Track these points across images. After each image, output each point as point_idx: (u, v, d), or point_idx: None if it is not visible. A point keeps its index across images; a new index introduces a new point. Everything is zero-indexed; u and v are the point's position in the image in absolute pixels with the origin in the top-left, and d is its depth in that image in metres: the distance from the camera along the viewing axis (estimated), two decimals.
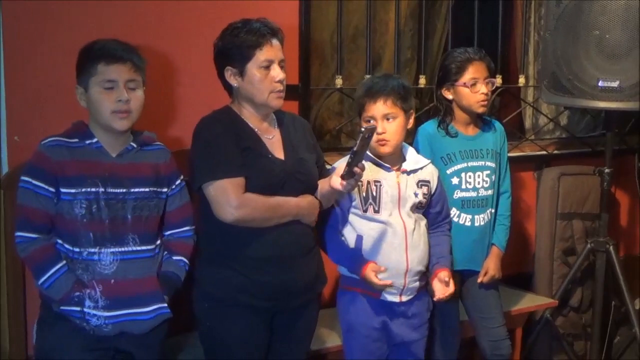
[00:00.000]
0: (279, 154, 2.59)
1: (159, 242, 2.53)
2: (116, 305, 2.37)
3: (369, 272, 2.63)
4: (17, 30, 2.76)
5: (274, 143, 2.60)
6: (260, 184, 2.49)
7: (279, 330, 2.61)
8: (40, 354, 2.44)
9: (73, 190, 2.33)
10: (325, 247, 2.75)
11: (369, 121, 2.66)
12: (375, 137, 2.62)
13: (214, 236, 2.53)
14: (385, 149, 2.68)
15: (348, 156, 2.37)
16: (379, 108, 2.66)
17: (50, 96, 2.81)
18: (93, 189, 2.35)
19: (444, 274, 2.73)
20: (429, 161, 2.83)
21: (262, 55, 2.50)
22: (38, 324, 2.45)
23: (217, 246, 2.53)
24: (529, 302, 3.71)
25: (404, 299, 2.74)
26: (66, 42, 2.73)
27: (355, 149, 2.34)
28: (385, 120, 2.66)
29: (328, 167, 2.82)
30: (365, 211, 2.69)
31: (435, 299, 2.75)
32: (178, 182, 2.58)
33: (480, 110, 2.98)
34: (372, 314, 2.74)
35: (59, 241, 2.36)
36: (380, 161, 2.71)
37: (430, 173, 2.80)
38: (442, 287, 2.73)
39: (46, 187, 2.32)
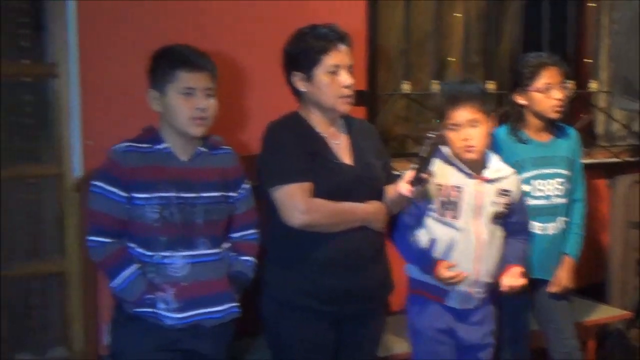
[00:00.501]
0: (347, 159, 2.58)
1: (226, 244, 2.55)
2: (188, 307, 2.39)
3: (441, 268, 2.60)
4: (92, 36, 2.82)
5: (342, 148, 2.59)
6: (327, 189, 2.48)
7: (345, 335, 2.59)
8: (113, 354, 2.48)
9: (145, 195, 2.36)
10: (397, 247, 2.73)
11: (452, 128, 2.63)
12: (461, 143, 2.59)
13: (281, 240, 2.53)
14: (472, 155, 2.63)
15: (415, 162, 2.35)
16: (464, 114, 2.61)
17: (123, 100, 2.86)
18: (165, 194, 2.37)
19: (515, 269, 2.67)
20: (513, 171, 2.76)
21: (330, 60, 2.49)
22: (111, 325, 2.50)
23: (285, 250, 2.54)
24: (602, 313, 3.61)
25: (468, 306, 2.70)
26: (139, 47, 2.77)
27: (422, 155, 2.31)
28: (471, 126, 2.62)
29: (395, 173, 2.80)
30: (442, 215, 2.66)
31: (502, 288, 2.68)
32: (245, 186, 2.59)
33: (555, 116, 2.92)
34: (439, 317, 2.70)
35: (132, 245, 2.40)
36: (462, 166, 2.67)
37: (512, 183, 2.73)
38: (511, 279, 2.66)
39: (118, 192, 2.36)
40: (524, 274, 2.70)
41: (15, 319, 2.86)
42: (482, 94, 2.66)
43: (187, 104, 2.37)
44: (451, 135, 2.61)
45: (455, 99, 2.63)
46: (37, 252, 2.88)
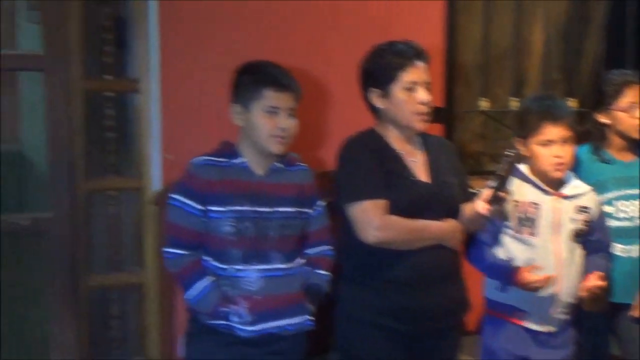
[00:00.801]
0: (424, 176, 2.55)
1: (301, 260, 2.56)
2: (261, 320, 2.40)
3: (524, 272, 2.53)
4: (173, 52, 2.88)
5: (419, 165, 2.57)
6: (403, 206, 2.46)
7: (419, 354, 2.55)
8: None
9: (221, 209, 2.38)
10: (474, 264, 2.69)
11: (544, 145, 2.58)
12: (552, 160, 2.55)
13: (356, 256, 2.52)
14: (560, 174, 2.58)
15: (492, 180, 2.31)
16: (558, 131, 2.56)
17: (201, 115, 2.91)
18: (241, 207, 2.40)
19: (595, 274, 2.58)
20: (590, 188, 2.70)
21: (407, 77, 2.48)
22: (186, 337, 2.53)
23: (359, 266, 2.52)
24: None
25: (549, 329, 2.63)
26: (218, 63, 2.83)
27: (500, 173, 2.27)
28: (563, 143, 2.57)
29: (472, 190, 2.76)
30: (519, 232, 2.61)
31: (581, 292, 2.60)
32: (319, 203, 2.59)
33: (638, 135, 2.84)
34: (515, 340, 2.65)
35: (207, 258, 2.43)
36: (539, 183, 2.62)
37: (591, 200, 2.67)
38: (591, 282, 2.56)
39: (195, 205, 2.39)
40: (604, 279, 2.60)
41: (95, 329, 2.92)
42: (572, 111, 2.62)
43: (270, 122, 2.39)
44: (541, 151, 2.57)
45: (550, 115, 2.58)
46: (117, 263, 2.94)
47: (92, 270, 2.90)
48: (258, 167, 2.46)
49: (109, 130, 2.91)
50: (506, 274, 2.61)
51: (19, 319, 4.24)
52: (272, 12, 3.00)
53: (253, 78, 2.41)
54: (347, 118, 2.98)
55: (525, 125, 2.67)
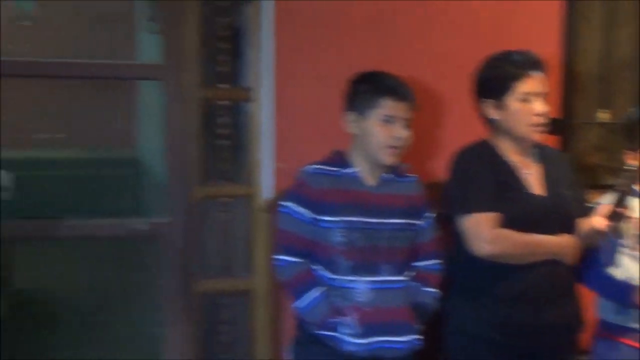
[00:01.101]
0: (538, 189, 2.49)
1: (410, 273, 2.53)
2: (371, 333, 2.39)
3: None
4: (287, 62, 2.91)
5: (533, 178, 2.51)
6: (516, 219, 2.41)
7: None
8: None
9: (332, 218, 2.39)
10: (588, 283, 2.59)
11: None
12: None
13: (467, 269, 2.48)
14: None
15: (611, 196, 2.23)
16: None
17: (314, 125, 2.93)
18: (351, 218, 2.40)
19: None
20: None
21: (522, 87, 2.43)
22: (293, 345, 2.54)
23: (470, 279, 2.48)
24: None
25: None
26: (331, 73, 2.85)
27: (619, 188, 2.19)
28: None
29: (588, 205, 2.66)
30: (637, 251, 2.50)
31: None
32: (429, 214, 2.56)
33: None
34: None
35: (316, 267, 2.44)
36: None
37: None
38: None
39: (306, 213, 2.41)
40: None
41: (205, 333, 2.98)
42: None
43: (385, 132, 2.39)
44: None
45: None
46: (228, 269, 2.99)
47: (204, 275, 2.96)
48: (369, 177, 2.46)
49: (223, 137, 2.96)
50: (624, 294, 2.50)
51: (133, 320, 4.39)
52: (385, 21, 2.98)
53: (370, 87, 2.42)
54: (459, 129, 2.93)
55: (634, 137, 2.56)
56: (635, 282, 2.48)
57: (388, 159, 2.42)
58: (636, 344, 2.52)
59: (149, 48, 6.14)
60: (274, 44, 2.90)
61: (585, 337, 2.89)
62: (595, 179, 3.65)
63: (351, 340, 2.38)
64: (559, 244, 2.46)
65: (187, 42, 2.84)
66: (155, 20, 5.97)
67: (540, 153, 2.56)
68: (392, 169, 2.50)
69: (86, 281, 5.04)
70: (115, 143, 6.53)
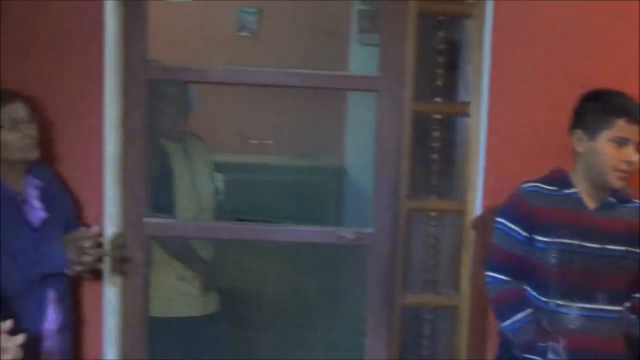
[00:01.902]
0: None
1: (627, 304, 2.40)
2: None
3: None
4: (504, 77, 2.85)
5: None
6: None
7: None
8: None
9: (547, 239, 2.32)
10: None
11: None
12: None
13: None
14: None
15: None
16: None
17: (528, 142, 2.84)
18: (568, 240, 2.32)
19: None
20: None
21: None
22: None
23: None
24: None
25: None
26: (549, 89, 2.77)
27: None
28: None
29: None
30: None
31: None
32: None
33: None
34: None
35: (527, 287, 2.37)
36: None
37: None
38: None
39: (521, 231, 2.35)
40: None
41: (406, 346, 2.98)
42: None
43: (616, 154, 2.30)
44: None
45: None
46: (432, 284, 2.97)
47: (408, 289, 2.95)
48: (590, 200, 2.36)
49: (434, 152, 2.95)
50: None
51: (335, 326, 4.49)
52: (605, 38, 2.85)
53: (603, 106, 2.32)
54: None
55: None
56: None
57: (616, 182, 2.32)
58: None
59: (361, 60, 6.28)
60: (490, 59, 2.86)
61: None
62: None
63: None
64: None
65: (405, 56, 2.85)
66: (368, 32, 6.10)
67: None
68: (614, 193, 2.38)
69: (291, 284, 5.22)
70: (323, 151, 6.70)
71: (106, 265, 2.82)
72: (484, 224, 2.80)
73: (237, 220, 3.36)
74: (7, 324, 2.04)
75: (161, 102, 3.23)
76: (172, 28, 5.83)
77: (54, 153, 2.86)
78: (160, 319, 3.22)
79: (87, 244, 2.54)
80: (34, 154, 2.56)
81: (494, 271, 2.38)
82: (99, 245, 2.61)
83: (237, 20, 6.73)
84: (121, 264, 2.87)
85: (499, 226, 2.40)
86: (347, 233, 2.95)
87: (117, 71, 2.84)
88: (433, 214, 2.96)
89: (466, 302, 2.91)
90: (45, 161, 2.77)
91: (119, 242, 2.84)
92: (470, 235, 2.90)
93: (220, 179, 3.91)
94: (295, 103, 6.25)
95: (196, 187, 3.40)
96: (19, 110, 2.52)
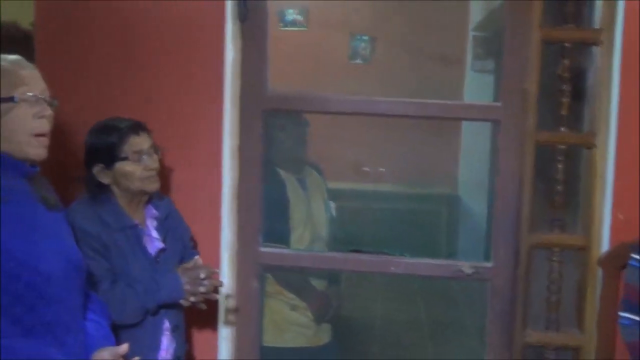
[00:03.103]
0: None
1: None
2: None
3: None
4: (632, 104, 2.72)
5: None
6: None
7: None
8: None
9: None
10: None
11: None
12: None
13: None
14: None
15: None
16: None
17: None
18: None
19: None
20: None
21: None
22: None
23: None
24: None
25: None
26: None
27: None
28: None
29: None
30: None
31: None
32: None
33: None
34: None
35: None
36: None
37: None
38: None
39: None
40: None
41: None
42: None
43: None
44: None
45: None
46: (554, 322, 2.83)
47: (530, 326, 2.83)
48: None
49: (557, 183, 2.82)
50: None
51: None
52: None
53: None
54: None
55: None
56: None
57: None
58: None
59: (475, 87, 6.18)
60: (619, 87, 2.72)
61: None
62: None
63: None
64: None
65: (528, 84, 2.75)
66: (485, 60, 5.99)
67: None
68: None
69: (404, 315, 5.13)
70: (437, 179, 6.62)
71: (220, 297, 2.83)
72: (613, 260, 2.66)
73: (352, 250, 3.32)
74: (124, 347, 2.07)
75: (277, 131, 3.25)
76: (284, 57, 5.90)
77: (173, 183, 2.91)
78: (273, 348, 3.22)
79: (202, 274, 2.55)
80: (155, 186, 2.60)
81: (629, 312, 2.25)
82: (214, 275, 2.62)
83: (350, 47, 6.76)
84: (232, 314, 2.88)
85: (634, 263, 2.26)
86: (466, 267, 2.87)
87: (235, 101, 2.87)
88: (556, 249, 2.83)
89: (592, 342, 2.77)
90: (164, 191, 2.81)
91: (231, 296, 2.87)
92: (596, 271, 2.76)
93: (333, 207, 3.89)
94: (409, 130, 6.20)
95: (311, 216, 3.40)
96: (143, 142, 2.57)
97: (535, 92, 2.77)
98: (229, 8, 2.82)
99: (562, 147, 2.82)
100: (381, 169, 6.67)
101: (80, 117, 2.78)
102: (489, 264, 2.88)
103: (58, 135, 2.74)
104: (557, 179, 2.83)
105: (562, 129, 2.81)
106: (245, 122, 2.88)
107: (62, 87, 2.82)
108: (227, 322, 2.90)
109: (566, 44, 2.79)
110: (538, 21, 2.76)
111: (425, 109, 2.91)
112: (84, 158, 2.60)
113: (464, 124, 6.36)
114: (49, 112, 2.05)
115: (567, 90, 2.80)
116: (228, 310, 2.89)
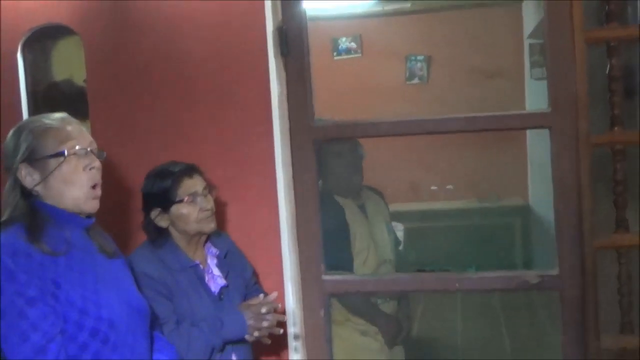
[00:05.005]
0: None
1: None
2: None
3: None
4: None
5: None
6: None
7: None
8: None
9: None
10: None
11: None
12: None
13: None
14: None
15: None
16: None
17: None
18: None
19: None
20: None
21: None
22: None
23: None
24: None
25: None
26: None
27: None
28: None
29: None
30: None
31: None
32: None
33: None
34: None
35: None
36: None
37: None
38: None
39: None
40: None
41: None
42: None
43: None
44: None
45: None
46: (629, 325, 2.76)
47: (603, 331, 2.77)
48: None
49: (618, 184, 2.77)
50: None
51: None
52: None
53: None
54: None
55: None
56: None
57: None
58: None
59: (536, 95, 6.10)
60: None
61: None
62: None
63: None
64: None
65: (576, 87, 2.72)
66: (538, 67, 5.92)
67: None
68: None
69: (478, 332, 5.06)
70: (506, 191, 6.54)
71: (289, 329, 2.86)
72: None
73: (417, 270, 3.31)
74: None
75: (332, 159, 3.28)
76: (342, 85, 5.95)
77: (230, 219, 2.96)
78: None
79: (265, 309, 2.59)
80: (211, 226, 2.66)
81: None
82: (277, 310, 2.66)
83: (406, 68, 6.77)
84: (301, 343, 2.93)
85: None
86: (531, 277, 2.83)
87: (285, 133, 2.91)
88: (622, 250, 2.77)
89: None
90: (222, 228, 2.87)
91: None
92: None
93: (400, 229, 3.88)
94: (473, 145, 6.17)
95: (374, 240, 3.40)
96: (196, 184, 2.63)
97: (585, 95, 2.73)
98: (270, 43, 2.88)
99: (619, 146, 2.77)
100: (449, 187, 6.62)
101: (137, 165, 2.87)
102: (555, 272, 2.83)
103: (117, 184, 2.85)
104: (617, 180, 2.78)
105: (617, 128, 2.76)
106: (296, 153, 2.93)
107: (115, 138, 2.92)
108: (297, 352, 2.93)
109: (612, 43, 2.75)
110: (580, 23, 2.72)
111: (474, 122, 2.89)
112: (142, 204, 2.67)
113: (529, 132, 6.28)
114: (97, 163, 2.13)
115: (617, 89, 2.76)
116: (296, 339, 2.92)
